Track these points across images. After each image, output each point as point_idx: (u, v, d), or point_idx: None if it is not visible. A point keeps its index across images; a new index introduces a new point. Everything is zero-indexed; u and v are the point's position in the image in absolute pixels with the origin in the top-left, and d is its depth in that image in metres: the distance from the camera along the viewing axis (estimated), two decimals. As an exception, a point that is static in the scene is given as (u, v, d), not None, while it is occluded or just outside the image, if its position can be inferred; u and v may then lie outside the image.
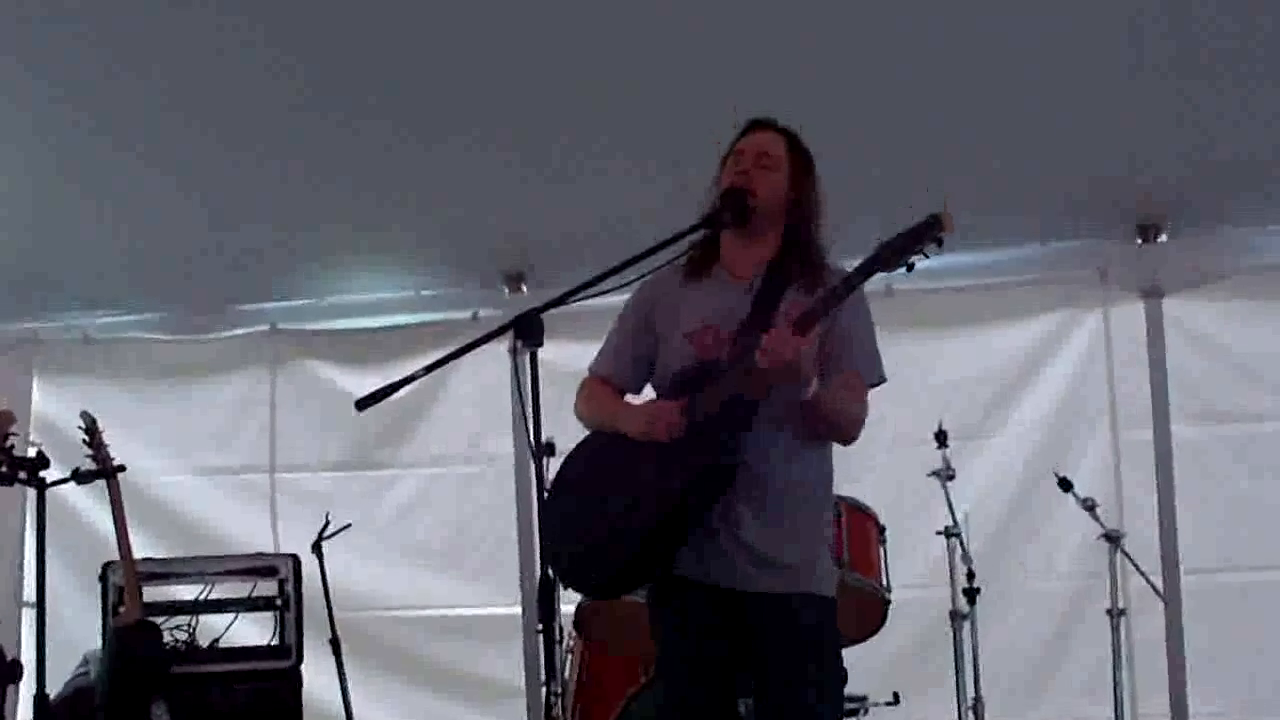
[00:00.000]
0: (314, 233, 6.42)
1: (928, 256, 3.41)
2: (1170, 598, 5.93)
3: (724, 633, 3.57)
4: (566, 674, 5.52)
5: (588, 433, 3.82)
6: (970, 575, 5.60)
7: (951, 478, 5.64)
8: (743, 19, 5.13)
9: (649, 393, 3.81)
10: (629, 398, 3.83)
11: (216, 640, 6.14)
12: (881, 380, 3.70)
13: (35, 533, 5.36)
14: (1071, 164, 5.73)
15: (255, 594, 6.22)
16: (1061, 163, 5.72)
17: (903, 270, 3.41)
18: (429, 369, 3.44)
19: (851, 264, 3.52)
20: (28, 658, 5.49)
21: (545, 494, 3.76)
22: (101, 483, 5.82)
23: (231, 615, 6.20)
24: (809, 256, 3.65)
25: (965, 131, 5.52)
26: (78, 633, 6.26)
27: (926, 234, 3.38)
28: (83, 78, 5.50)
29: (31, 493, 5.36)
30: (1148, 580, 5.69)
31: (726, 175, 3.69)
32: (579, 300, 3.47)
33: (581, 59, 5.32)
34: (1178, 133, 5.59)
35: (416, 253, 6.68)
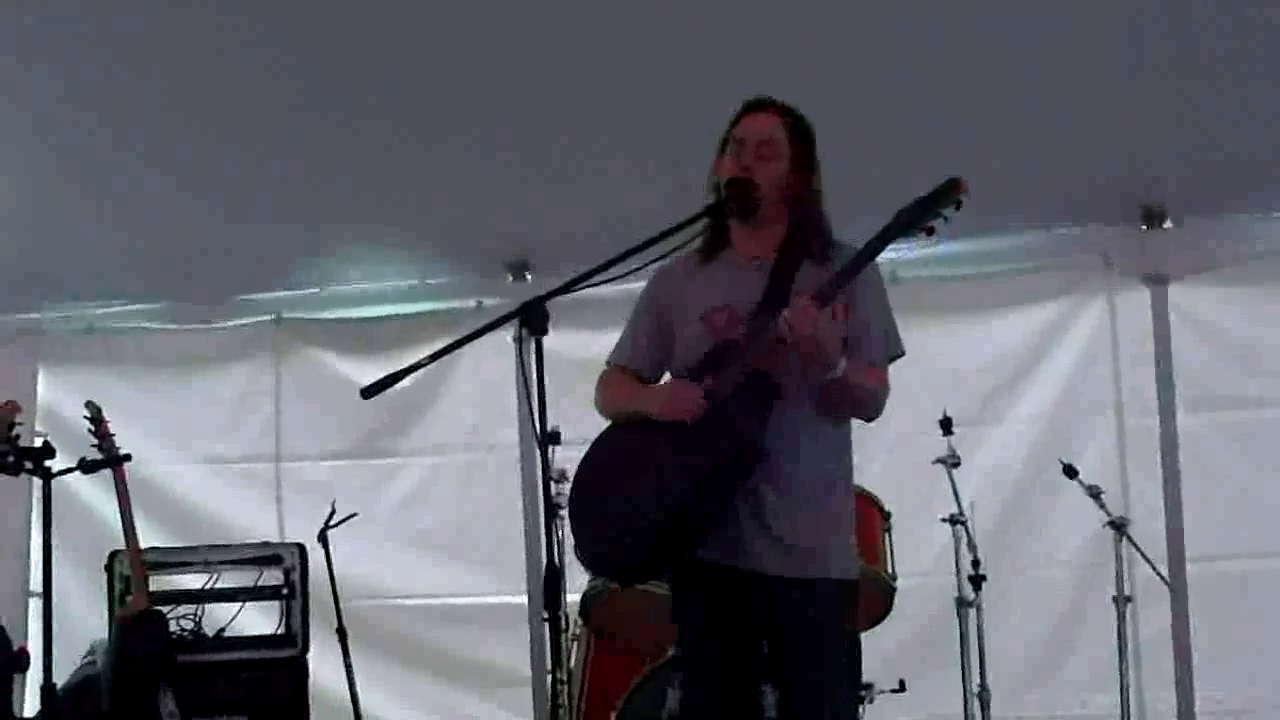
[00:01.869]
0: (316, 226, 6.43)
1: (947, 220, 3.43)
2: (1176, 585, 5.94)
3: (744, 617, 3.57)
4: (572, 662, 5.53)
5: (602, 423, 3.81)
6: (976, 563, 5.61)
7: (957, 465, 5.65)
8: (743, 19, 5.14)
9: (667, 379, 3.81)
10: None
11: (222, 629, 6.15)
12: (901, 353, 3.72)
13: (41, 522, 5.38)
14: (1072, 164, 5.74)
15: (261, 583, 6.22)
16: (1062, 163, 5.73)
17: (923, 235, 3.44)
18: (434, 357, 3.45)
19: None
20: (34, 647, 5.50)
21: (552, 483, 3.76)
22: (107, 472, 5.83)
23: (237, 604, 6.21)
24: (818, 234, 3.66)
25: (965, 131, 5.52)
26: (84, 622, 6.27)
27: (944, 198, 3.42)
28: (83, 77, 5.51)
29: (37, 482, 5.37)
30: (1153, 567, 5.69)
31: (727, 165, 3.69)
32: (583, 289, 3.47)
33: (581, 59, 5.33)
34: (1178, 132, 5.60)
35: (420, 242, 6.68)
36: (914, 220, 3.44)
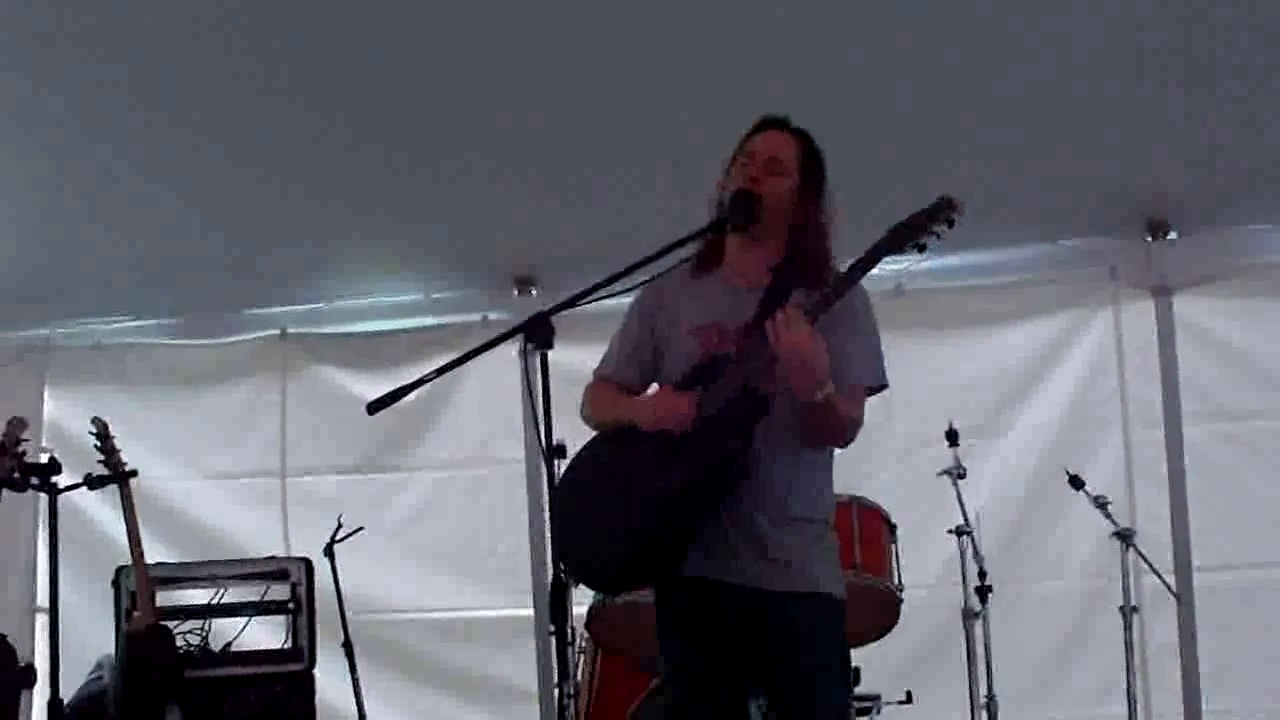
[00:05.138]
0: (322, 239, 6.44)
1: (939, 237, 3.43)
2: (1183, 595, 5.94)
3: (731, 631, 3.56)
4: (579, 676, 5.52)
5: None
6: (982, 574, 5.61)
7: (963, 476, 5.65)
8: (744, 23, 5.14)
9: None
10: None
11: (229, 644, 6.14)
12: (883, 385, 3.69)
13: (48, 538, 5.38)
14: (1076, 166, 5.73)
15: (267, 598, 6.22)
16: (1065, 165, 5.72)
17: (914, 251, 3.44)
18: (440, 372, 3.44)
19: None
20: (41, 663, 5.50)
21: (554, 492, 3.76)
22: (113, 488, 5.84)
23: (244, 619, 6.20)
24: (815, 261, 3.63)
25: (967, 133, 5.52)
26: (91, 638, 6.26)
27: (938, 215, 3.41)
28: (87, 94, 5.52)
29: (44, 498, 5.38)
30: (1160, 578, 5.69)
31: (735, 176, 3.69)
32: (589, 303, 3.47)
33: (584, 65, 5.33)
34: (1183, 144, 5.60)
35: (425, 257, 6.69)
36: (905, 238, 3.44)
